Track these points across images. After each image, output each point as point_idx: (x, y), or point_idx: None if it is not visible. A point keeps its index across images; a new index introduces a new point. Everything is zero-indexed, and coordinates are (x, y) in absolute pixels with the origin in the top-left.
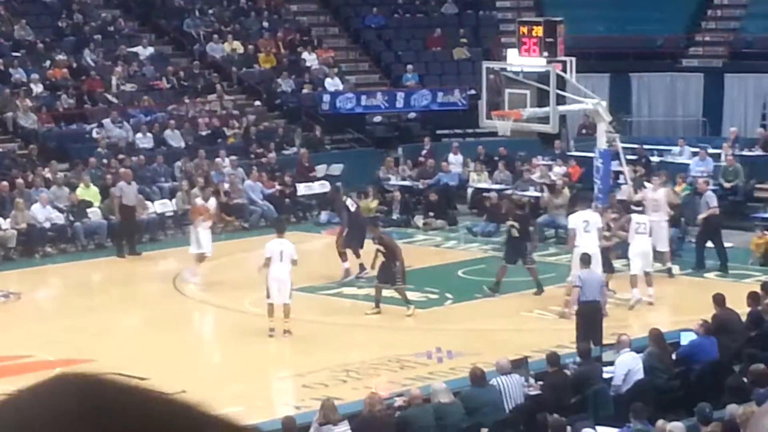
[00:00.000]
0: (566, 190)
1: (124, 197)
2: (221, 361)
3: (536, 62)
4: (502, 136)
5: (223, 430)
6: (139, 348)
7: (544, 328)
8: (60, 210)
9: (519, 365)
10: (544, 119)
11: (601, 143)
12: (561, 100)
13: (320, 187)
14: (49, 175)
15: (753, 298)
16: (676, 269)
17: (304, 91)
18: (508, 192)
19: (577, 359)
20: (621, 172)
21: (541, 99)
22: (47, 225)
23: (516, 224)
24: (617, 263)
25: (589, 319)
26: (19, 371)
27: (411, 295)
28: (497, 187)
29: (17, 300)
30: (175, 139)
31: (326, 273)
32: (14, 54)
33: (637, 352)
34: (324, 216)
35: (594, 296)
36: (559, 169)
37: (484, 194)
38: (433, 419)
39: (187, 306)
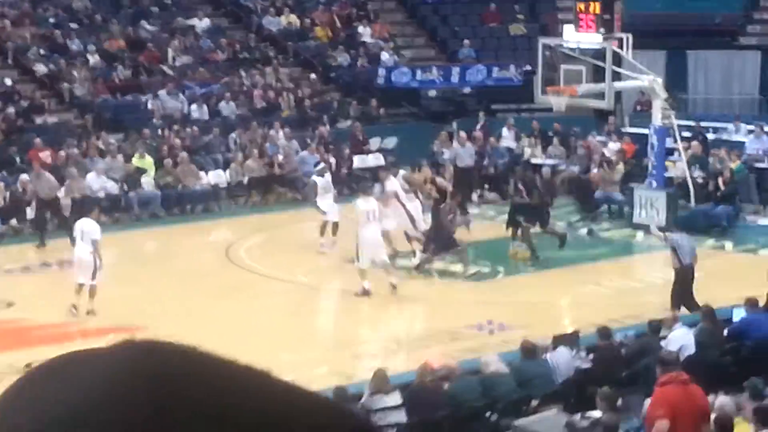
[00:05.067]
0: (621, 167)
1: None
2: (273, 331)
3: (593, 39)
4: (556, 111)
5: (296, 396)
6: (191, 317)
7: (597, 302)
8: (114, 180)
9: (570, 339)
10: (600, 95)
11: (656, 120)
12: (616, 77)
13: (374, 160)
14: (103, 146)
15: None
16: (728, 246)
17: (360, 64)
18: (561, 167)
19: (629, 333)
20: (675, 149)
21: (597, 75)
22: (101, 194)
23: (523, 189)
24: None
25: (686, 284)
26: (74, 337)
27: (461, 268)
28: (551, 162)
29: (59, 269)
30: (229, 111)
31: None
32: (71, 25)
33: (689, 327)
34: (378, 188)
35: (689, 260)
36: (613, 146)
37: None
38: (479, 391)
39: (240, 276)
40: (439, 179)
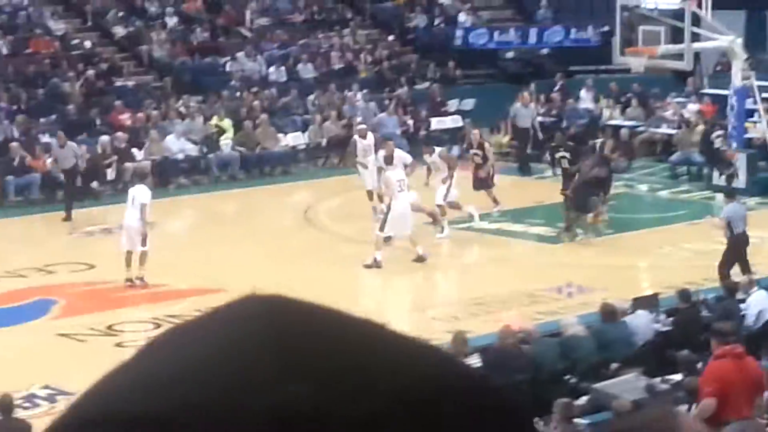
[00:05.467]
0: (699, 128)
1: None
2: (351, 292)
3: None
4: (635, 73)
5: (416, 349)
6: (270, 279)
7: (676, 265)
8: (194, 142)
9: (649, 301)
10: (679, 56)
11: (736, 81)
12: (695, 38)
13: (452, 121)
14: (183, 108)
15: None
16: None
17: (437, 26)
18: (640, 129)
19: (709, 296)
20: (755, 110)
21: (676, 36)
22: (181, 156)
23: (567, 155)
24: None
25: (738, 252)
26: (154, 300)
27: (542, 230)
28: (630, 123)
29: (151, 230)
30: (307, 72)
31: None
32: None
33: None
34: (455, 150)
35: (742, 228)
36: (692, 107)
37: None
38: (558, 354)
39: (318, 238)
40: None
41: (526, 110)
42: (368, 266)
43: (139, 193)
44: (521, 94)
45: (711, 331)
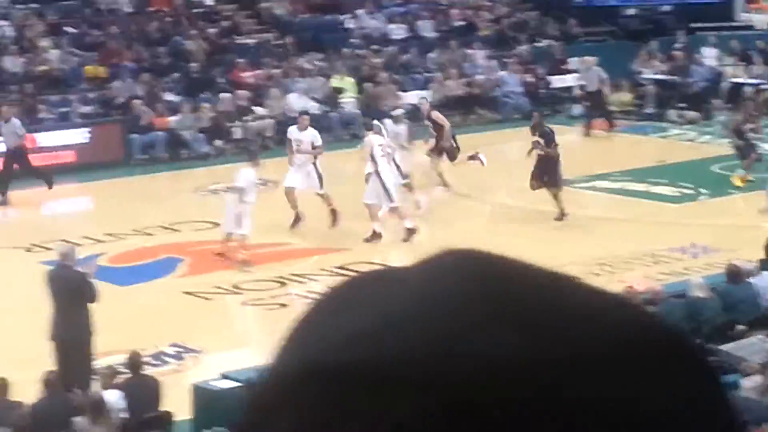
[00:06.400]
0: None
1: None
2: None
3: None
4: (759, 29)
5: (613, 300)
6: (391, 236)
7: None
8: (315, 100)
9: None
10: None
11: None
12: None
13: (573, 80)
14: (304, 65)
15: None
16: None
17: None
18: (764, 87)
19: None
20: None
21: None
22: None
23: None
24: None
25: None
26: (278, 258)
27: (664, 190)
28: (754, 81)
29: (274, 188)
30: (427, 29)
31: (579, 166)
32: None
33: None
34: (576, 109)
35: None
36: None
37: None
38: (684, 315)
39: (439, 196)
40: (434, 113)
41: (591, 72)
42: (367, 240)
43: (241, 174)
44: (650, 52)
45: None
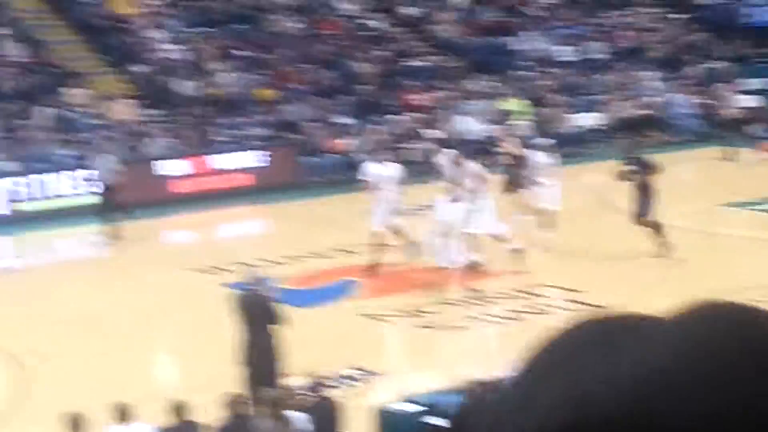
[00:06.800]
0: None
1: None
2: (643, 276)
3: None
4: None
5: None
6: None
7: None
8: (486, 122)
9: None
10: None
11: None
12: None
13: (747, 100)
14: (474, 88)
15: None
16: None
17: (724, 3)
18: None
19: None
20: None
21: None
22: (473, 137)
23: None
24: None
25: None
26: (458, 280)
27: None
28: None
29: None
30: (596, 51)
31: (754, 189)
32: None
33: None
34: (755, 129)
35: None
36: None
37: None
38: None
39: (613, 220)
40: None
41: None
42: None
43: (443, 209)
44: None
45: None
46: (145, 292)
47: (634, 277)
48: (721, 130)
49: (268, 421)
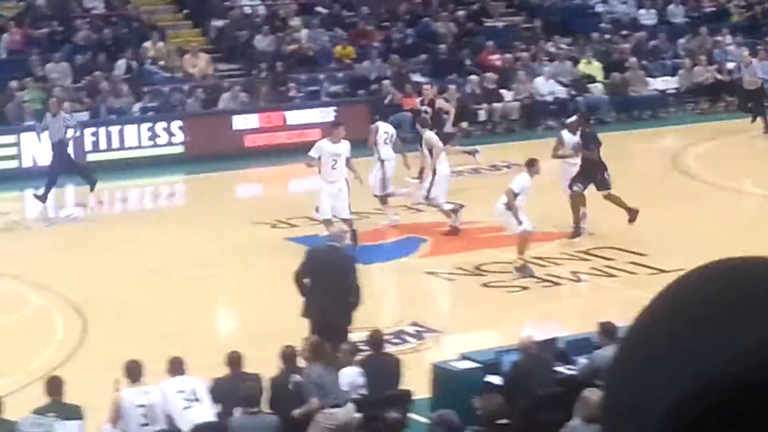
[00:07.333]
0: None
1: None
2: (712, 238)
3: None
4: None
5: None
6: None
7: None
8: (563, 84)
9: None
10: None
11: None
12: None
13: None
14: (552, 49)
15: None
16: None
17: None
18: None
19: None
20: None
21: None
22: (549, 99)
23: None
24: None
25: None
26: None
27: None
28: None
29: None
30: (678, 15)
31: None
32: None
33: None
34: None
35: None
36: None
37: None
38: None
39: (686, 185)
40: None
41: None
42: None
43: (515, 180)
44: None
45: None
46: (213, 244)
47: (705, 241)
48: None
49: (320, 372)
